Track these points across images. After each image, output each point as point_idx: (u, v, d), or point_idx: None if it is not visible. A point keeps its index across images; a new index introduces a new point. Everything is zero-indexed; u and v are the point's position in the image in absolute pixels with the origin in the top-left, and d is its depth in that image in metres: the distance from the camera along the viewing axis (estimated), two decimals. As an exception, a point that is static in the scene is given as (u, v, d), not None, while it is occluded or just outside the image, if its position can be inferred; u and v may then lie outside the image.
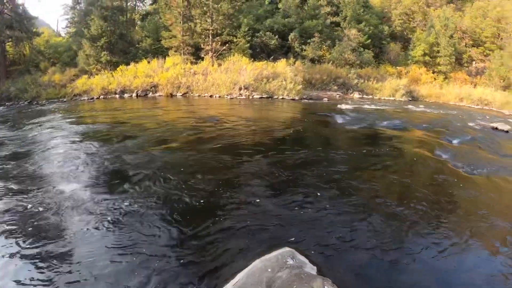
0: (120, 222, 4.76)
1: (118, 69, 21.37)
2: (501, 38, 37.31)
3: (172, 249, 4.20)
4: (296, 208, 5.48)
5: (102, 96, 18.72)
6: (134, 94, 19.18)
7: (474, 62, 36.49)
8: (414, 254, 4.59)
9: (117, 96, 19.05)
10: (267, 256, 3.88)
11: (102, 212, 5.01)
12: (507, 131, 16.06)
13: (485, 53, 36.44)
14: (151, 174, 6.57)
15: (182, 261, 3.98)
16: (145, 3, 35.62)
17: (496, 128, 16.42)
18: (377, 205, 6.04)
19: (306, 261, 3.91)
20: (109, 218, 4.83)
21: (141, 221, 4.79)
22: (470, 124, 17.66)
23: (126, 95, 19.14)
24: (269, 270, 3.62)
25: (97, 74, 21.37)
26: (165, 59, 23.08)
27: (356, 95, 25.68)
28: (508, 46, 35.85)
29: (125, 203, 5.30)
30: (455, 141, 12.36)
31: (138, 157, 7.66)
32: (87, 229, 4.58)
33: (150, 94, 19.70)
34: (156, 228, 4.60)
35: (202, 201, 5.47)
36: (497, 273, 4.42)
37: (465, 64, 36.05)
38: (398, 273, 4.14)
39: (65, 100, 18.73)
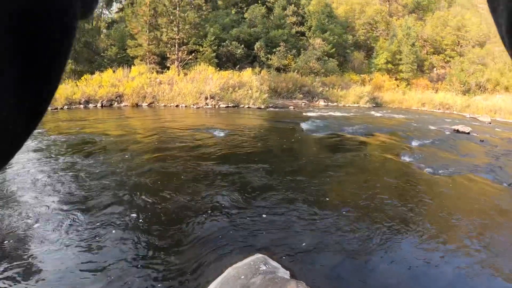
0: (85, 235, 4.59)
1: (82, 78, 21.13)
2: (461, 46, 39.42)
3: (142, 261, 4.11)
4: (265, 216, 5.50)
5: (66, 106, 18.59)
6: (99, 104, 19.02)
7: (435, 69, 38.39)
8: (384, 254, 4.73)
9: (82, 106, 18.86)
10: (239, 264, 3.90)
11: (66, 227, 4.78)
12: (468, 133, 16.91)
13: (445, 60, 38.42)
14: (114, 186, 6.42)
15: (153, 273, 3.92)
16: (111, 11, 35.46)
17: (458, 131, 17.26)
18: (344, 208, 6.19)
19: (279, 266, 3.97)
20: (73, 233, 4.63)
21: (109, 234, 4.63)
22: (433, 127, 18.52)
23: (91, 105, 19.04)
24: (243, 277, 3.66)
25: (61, 84, 21.14)
26: (130, 68, 23.15)
27: (321, 103, 26.54)
28: (467, 53, 37.84)
29: (89, 216, 5.14)
30: (418, 144, 12.91)
31: (103, 169, 7.49)
32: (51, 244, 4.36)
33: (116, 104, 19.63)
34: (125, 241, 4.48)
35: (171, 212, 5.39)
36: (465, 269, 4.63)
37: (427, 71, 37.90)
38: (370, 273, 4.26)
39: (27, 110, 18.52)
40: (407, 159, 10.31)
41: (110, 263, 4.01)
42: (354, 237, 5.08)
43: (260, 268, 3.80)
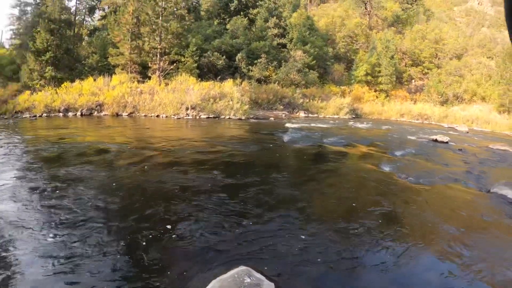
0: (62, 246, 4.50)
1: (62, 85, 21.10)
2: (439, 58, 40.83)
3: (123, 275, 4.02)
4: (248, 228, 5.51)
5: (45, 114, 18.57)
6: (78, 113, 19.04)
7: (413, 80, 39.64)
8: (368, 263, 4.81)
9: (61, 114, 18.82)
10: (223, 276, 3.89)
11: (43, 237, 4.70)
12: (446, 142, 17.41)
13: (423, 72, 39.74)
14: (93, 196, 6.34)
15: (134, 286, 3.87)
16: (94, 18, 35.52)
17: (436, 140, 17.70)
18: (328, 219, 6.28)
19: (263, 278, 3.95)
20: (50, 244, 4.55)
21: (88, 246, 4.53)
22: (412, 137, 18.90)
23: (70, 114, 19.07)
24: None
25: (40, 91, 20.94)
26: (111, 77, 23.28)
27: (301, 114, 27.06)
28: (445, 65, 39.13)
29: (68, 227, 5.03)
30: (398, 154, 13.20)
31: (82, 178, 7.36)
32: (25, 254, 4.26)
33: (95, 113, 19.65)
34: (104, 254, 4.39)
35: (152, 224, 5.33)
36: (448, 275, 4.71)
37: (405, 82, 39.11)
38: (354, 283, 4.31)
39: (5, 117, 18.10)
40: (387, 168, 10.52)
41: (87, 276, 3.90)
42: (338, 247, 5.16)
43: (245, 281, 3.79)
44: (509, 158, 15.37)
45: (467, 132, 25.26)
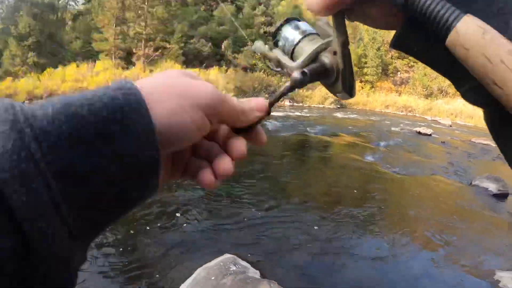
0: None
1: (45, 72, 20.85)
2: (425, 52, 41.15)
3: (109, 264, 4.12)
4: (232, 216, 5.56)
5: (26, 102, 18.30)
6: None
7: (399, 73, 40.02)
8: (352, 251, 4.92)
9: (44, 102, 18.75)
10: (209, 264, 3.93)
11: None
12: (430, 135, 17.88)
13: (409, 65, 40.15)
14: None
15: (121, 275, 3.97)
16: (78, 2, 34.94)
17: (420, 132, 18.15)
18: (312, 208, 6.33)
19: (249, 265, 4.01)
20: None
21: None
22: (396, 129, 19.22)
23: (52, 101, 18.92)
24: (213, 278, 3.69)
25: (22, 77, 20.64)
26: (95, 63, 23.04)
27: (287, 103, 26.89)
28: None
29: None
30: (382, 145, 13.50)
31: None
32: None
33: None
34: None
35: (138, 215, 5.33)
36: (430, 263, 4.92)
37: (391, 74, 39.49)
38: (338, 270, 4.40)
39: (-14, 105, 17.92)
40: (371, 159, 10.75)
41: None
42: (322, 235, 5.23)
43: (230, 268, 3.82)
44: (491, 152, 15.66)
45: (450, 126, 25.86)
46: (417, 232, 5.88)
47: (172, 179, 0.41)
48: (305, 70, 0.44)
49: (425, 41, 0.36)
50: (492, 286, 4.61)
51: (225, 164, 0.40)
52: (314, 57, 0.45)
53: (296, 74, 0.43)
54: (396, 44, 0.39)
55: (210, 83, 0.26)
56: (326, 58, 0.45)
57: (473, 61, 0.30)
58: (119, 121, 0.25)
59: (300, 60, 0.45)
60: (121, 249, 4.41)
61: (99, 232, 0.28)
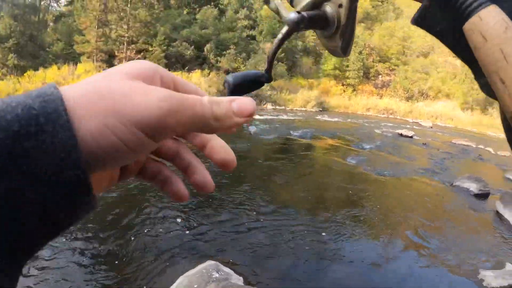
0: None
1: (25, 74, 20.61)
2: (406, 55, 42.27)
3: (92, 273, 4.03)
4: (215, 222, 5.51)
5: None
6: None
7: (380, 76, 40.90)
8: (336, 254, 4.92)
9: None
10: (191, 272, 3.85)
11: None
12: (411, 137, 18.40)
13: (390, 68, 41.05)
14: None
15: (101, 284, 3.86)
16: (60, 3, 34.73)
17: (401, 134, 18.67)
18: (296, 212, 6.30)
19: (232, 272, 3.95)
20: None
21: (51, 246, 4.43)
22: (378, 131, 19.70)
23: (33, 104, 18.65)
24: (195, 286, 3.61)
25: (2, 80, 20.32)
26: (76, 65, 22.91)
27: (269, 106, 27.21)
28: (412, 62, 40.63)
29: None
30: (364, 147, 13.69)
31: None
32: None
33: None
34: (69, 250, 4.39)
35: (119, 222, 5.27)
36: (414, 264, 4.97)
37: (372, 78, 40.35)
38: (323, 273, 4.39)
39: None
40: (354, 161, 10.85)
41: (54, 275, 3.91)
42: (306, 238, 5.22)
43: (213, 276, 3.75)
44: (471, 153, 16.35)
45: (431, 127, 26.73)
46: (400, 234, 5.97)
47: (124, 179, 0.37)
48: (303, 13, 0.43)
49: (450, 20, 0.35)
50: (477, 285, 4.66)
51: (201, 176, 0.37)
52: (317, 5, 0.46)
53: (293, 15, 0.43)
54: (419, 19, 0.38)
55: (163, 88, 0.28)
56: (329, 8, 0.45)
57: (487, 53, 0.28)
58: (33, 136, 0.22)
59: (299, 6, 0.46)
60: (99, 259, 4.31)
61: (28, 258, 0.26)
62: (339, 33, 0.45)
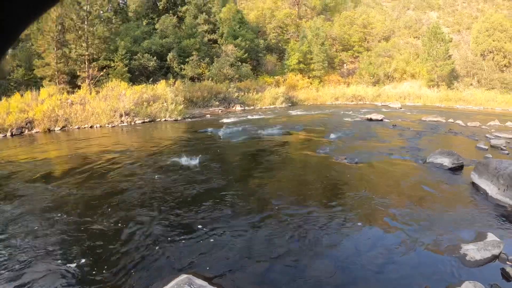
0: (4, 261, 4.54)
1: None
2: (368, 41, 43.63)
3: None
4: (187, 232, 5.36)
5: None
6: (8, 134, 17.84)
7: (345, 65, 42.26)
8: (313, 249, 4.85)
9: None
10: None
11: None
12: (381, 120, 19.38)
13: (354, 56, 42.46)
14: (27, 214, 6.18)
15: None
16: (16, 28, 34.15)
17: (371, 119, 19.58)
18: (270, 210, 6.28)
19: (206, 284, 3.84)
20: None
21: (16, 260, 4.51)
22: (347, 119, 20.61)
23: (0, 135, 17.70)
24: None
25: None
26: (39, 90, 22.51)
27: (238, 108, 27.71)
28: (374, 47, 41.99)
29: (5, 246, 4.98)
30: (335, 137, 14.07)
31: (19, 198, 7.07)
32: None
33: (26, 131, 18.47)
34: (34, 269, 4.31)
35: (89, 240, 5.12)
36: (392, 248, 4.94)
37: (337, 67, 41.64)
38: (301, 271, 4.34)
39: None
40: (325, 152, 11.02)
41: None
42: (281, 237, 5.17)
43: None
44: (441, 127, 17.25)
45: (400, 108, 27.99)
46: (378, 220, 5.97)
47: None
48: None
49: None
50: (460, 260, 4.64)
51: None
52: None
53: None
54: None
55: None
56: None
57: None
58: None
59: None
60: (69, 280, 4.16)
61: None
62: None
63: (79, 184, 8.14)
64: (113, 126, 19.93)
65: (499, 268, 4.50)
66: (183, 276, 3.91)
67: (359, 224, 5.75)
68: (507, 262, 4.62)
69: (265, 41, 38.25)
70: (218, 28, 34.89)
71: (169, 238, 5.17)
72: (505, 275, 4.35)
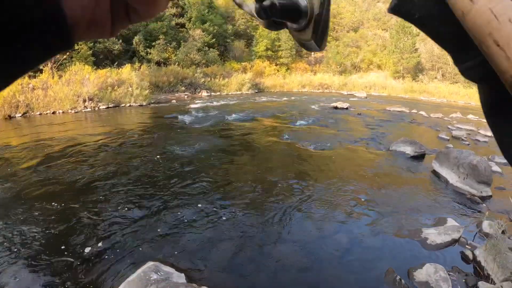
0: None
1: None
2: (336, 31, 44.59)
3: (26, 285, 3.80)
4: (152, 220, 5.32)
5: None
6: None
7: (312, 53, 42.77)
8: (279, 235, 4.93)
9: None
10: (131, 278, 3.72)
11: None
12: (346, 108, 19.99)
13: (322, 44, 43.16)
14: None
15: None
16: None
17: (336, 107, 20.13)
18: (233, 197, 6.29)
19: (172, 270, 3.87)
20: None
21: None
22: (313, 106, 20.87)
23: (-41, 123, 16.79)
24: None
25: None
26: None
27: (204, 94, 27.64)
28: (343, 37, 42.99)
29: None
30: (300, 124, 14.30)
31: None
32: None
33: None
34: (7, 260, 4.23)
35: (53, 229, 4.98)
36: (357, 233, 5.08)
37: (305, 55, 42.46)
38: (267, 257, 4.39)
39: None
40: (291, 138, 11.17)
41: None
42: (247, 224, 5.23)
43: (152, 278, 3.67)
44: (405, 117, 17.94)
45: (366, 98, 29.00)
46: (341, 205, 6.06)
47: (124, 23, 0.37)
48: (275, 1, 0.40)
49: (431, 5, 0.34)
50: (421, 244, 4.87)
51: None
52: None
53: (267, 2, 0.40)
54: (396, 8, 0.37)
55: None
56: None
57: (476, 16, 0.27)
58: None
59: None
60: (31, 276, 3.99)
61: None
62: (312, 25, 0.43)
63: (38, 172, 7.72)
64: (76, 112, 19.23)
65: (459, 251, 4.82)
66: (150, 264, 3.96)
67: (323, 209, 5.90)
68: (467, 246, 4.93)
69: (234, 26, 38.35)
70: (186, 12, 34.58)
71: (133, 227, 5.12)
72: (464, 258, 4.66)
